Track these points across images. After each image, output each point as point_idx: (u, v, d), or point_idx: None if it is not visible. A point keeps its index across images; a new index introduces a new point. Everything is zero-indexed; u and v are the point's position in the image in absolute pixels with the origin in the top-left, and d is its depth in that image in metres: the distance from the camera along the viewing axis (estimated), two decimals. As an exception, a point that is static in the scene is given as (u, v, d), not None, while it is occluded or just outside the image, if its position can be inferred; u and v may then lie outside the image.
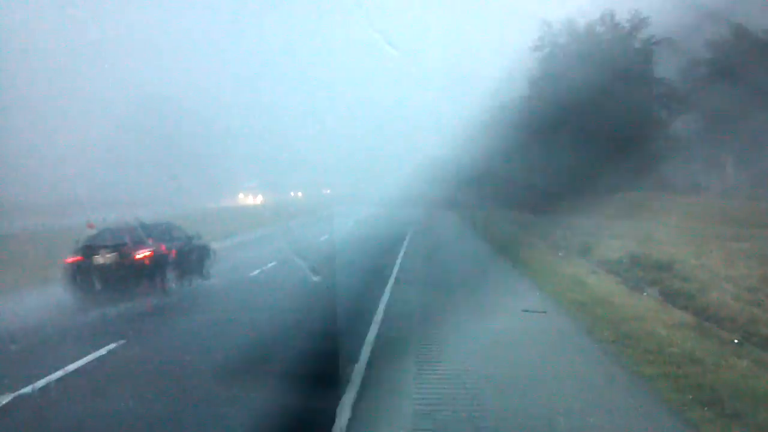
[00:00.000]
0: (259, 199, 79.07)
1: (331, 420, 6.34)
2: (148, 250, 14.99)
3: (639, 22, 54.32)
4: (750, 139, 46.49)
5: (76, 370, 8.71)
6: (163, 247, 15.57)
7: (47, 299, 14.16)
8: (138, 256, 14.77)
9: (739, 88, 47.32)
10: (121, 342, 10.13)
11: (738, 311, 11.93)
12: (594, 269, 18.51)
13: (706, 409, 6.54)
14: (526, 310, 11.74)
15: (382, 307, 12.21)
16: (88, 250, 14.80)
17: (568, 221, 34.57)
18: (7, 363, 9.19)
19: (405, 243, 24.83)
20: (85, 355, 9.27)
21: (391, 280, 15.74)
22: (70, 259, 14.69)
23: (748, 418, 6.33)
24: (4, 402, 7.35)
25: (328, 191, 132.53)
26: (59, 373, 8.42)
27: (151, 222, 17.09)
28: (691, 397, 6.87)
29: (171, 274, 15.52)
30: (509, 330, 10.63)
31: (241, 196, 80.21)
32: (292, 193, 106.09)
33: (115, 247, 14.76)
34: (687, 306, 13.03)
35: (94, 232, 15.62)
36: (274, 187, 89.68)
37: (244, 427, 6.83)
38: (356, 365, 8.20)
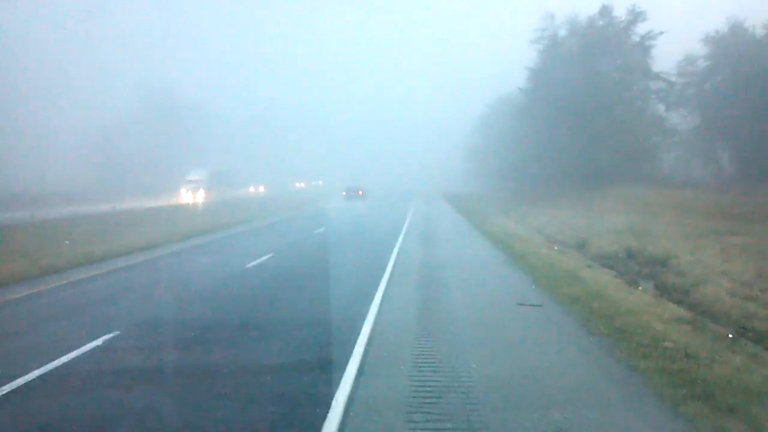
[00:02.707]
0: (200, 197, 62.91)
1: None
2: (362, 191, 71.24)
3: (636, 16, 54.20)
4: (746, 135, 46.49)
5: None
6: (363, 191, 71.60)
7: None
8: (360, 192, 70.71)
9: (735, 82, 47.36)
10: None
11: (733, 306, 11.96)
12: (589, 263, 18.54)
13: (700, 403, 6.55)
14: (522, 304, 11.75)
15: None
16: (348, 190, 72.00)
17: (563, 214, 34.60)
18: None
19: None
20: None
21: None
22: (343, 193, 71.73)
23: (742, 413, 6.34)
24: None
25: (302, 184, 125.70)
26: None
27: (360, 183, 77.00)
28: (685, 391, 6.88)
29: (365, 196, 69.85)
30: (505, 323, 10.65)
31: (183, 191, 64.29)
32: (252, 188, 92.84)
33: (356, 189, 71.52)
34: (682, 300, 13.07)
35: (350, 184, 76.45)
36: (227, 180, 78.65)
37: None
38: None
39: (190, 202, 57.66)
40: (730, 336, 9.90)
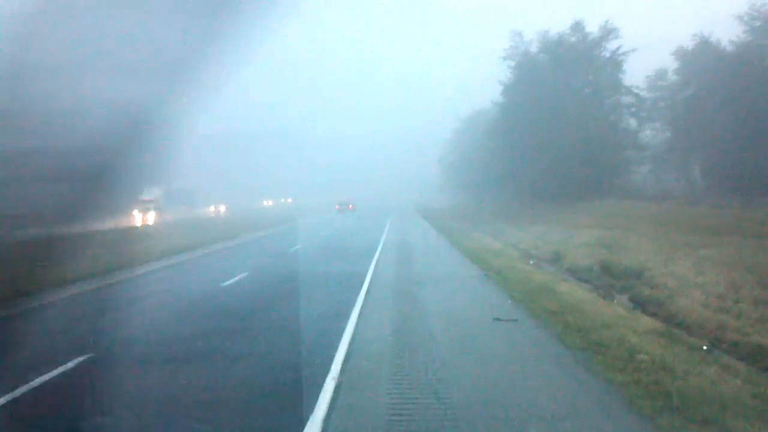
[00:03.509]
0: (150, 218, 56.32)
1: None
2: (352, 205, 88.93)
3: (608, 33, 54.96)
4: (717, 148, 47.15)
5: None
6: (353, 205, 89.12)
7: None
8: (350, 206, 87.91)
9: (705, 96, 48.09)
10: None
11: (707, 318, 12.07)
12: (564, 277, 18.63)
13: (675, 415, 6.56)
14: (498, 319, 11.75)
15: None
16: (340, 204, 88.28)
17: (538, 228, 34.79)
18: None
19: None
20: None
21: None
22: (336, 207, 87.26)
23: (717, 424, 6.37)
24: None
25: (270, 203, 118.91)
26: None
27: (351, 198, 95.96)
28: (661, 403, 6.89)
29: (353, 210, 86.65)
30: (481, 338, 10.64)
31: (135, 212, 55.30)
32: (212, 208, 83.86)
33: (346, 204, 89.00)
34: (657, 313, 13.17)
35: (342, 199, 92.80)
36: (186, 199, 72.00)
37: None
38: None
39: (139, 224, 50.69)
40: (705, 347, 9.98)
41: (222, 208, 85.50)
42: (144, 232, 42.68)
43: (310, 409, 6.89)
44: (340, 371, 8.35)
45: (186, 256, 26.60)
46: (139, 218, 53.61)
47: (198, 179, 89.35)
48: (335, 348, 9.57)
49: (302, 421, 6.54)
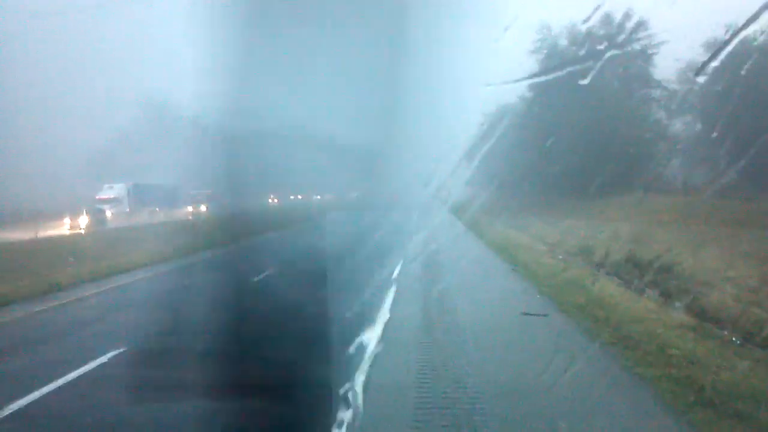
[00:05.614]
0: (83, 223, 45.18)
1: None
2: (397, 196, 48.11)
3: (638, 26, 54.28)
4: (747, 140, 46.34)
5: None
6: (397, 195, 49.91)
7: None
8: (395, 197, 47.01)
9: (736, 89, 47.28)
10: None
11: (739, 312, 11.90)
12: (593, 271, 18.50)
13: (707, 410, 6.51)
14: (526, 313, 11.71)
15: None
16: (389, 197, 46.99)
17: (566, 223, 34.56)
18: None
19: None
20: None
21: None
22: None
23: (750, 419, 6.30)
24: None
25: (275, 200, 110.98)
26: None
27: (395, 192, 53.67)
28: (692, 398, 6.84)
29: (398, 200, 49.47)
30: (510, 333, 10.62)
31: (83, 215, 46.13)
32: (191, 208, 69.95)
33: (393, 196, 48.07)
34: (688, 307, 13.01)
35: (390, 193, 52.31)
36: (161, 197, 62.01)
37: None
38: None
39: (67, 231, 41.20)
40: (737, 341, 9.86)
41: (203, 208, 71.53)
42: (57, 244, 30.71)
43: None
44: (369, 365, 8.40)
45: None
46: (68, 224, 43.73)
47: (199, 176, 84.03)
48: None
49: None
